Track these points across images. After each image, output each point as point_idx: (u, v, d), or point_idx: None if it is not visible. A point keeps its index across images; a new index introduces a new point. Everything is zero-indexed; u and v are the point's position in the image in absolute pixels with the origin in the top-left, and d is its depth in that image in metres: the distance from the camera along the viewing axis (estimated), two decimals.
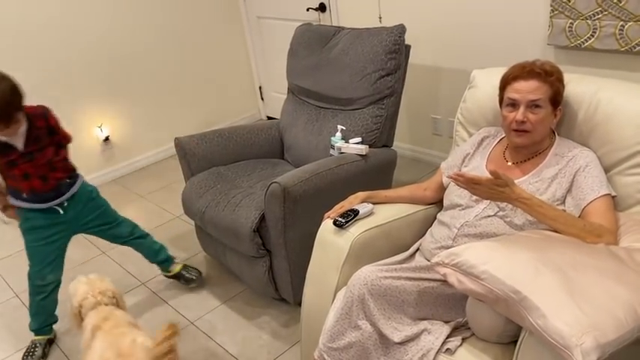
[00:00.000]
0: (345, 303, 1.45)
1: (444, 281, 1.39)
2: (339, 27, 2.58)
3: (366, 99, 2.33)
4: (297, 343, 2.11)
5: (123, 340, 1.53)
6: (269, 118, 4.46)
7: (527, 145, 1.57)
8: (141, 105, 3.79)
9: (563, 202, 1.50)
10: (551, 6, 2.37)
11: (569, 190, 1.51)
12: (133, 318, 1.75)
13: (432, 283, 1.47)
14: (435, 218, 1.75)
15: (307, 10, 3.50)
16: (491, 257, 1.25)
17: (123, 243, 2.38)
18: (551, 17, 2.40)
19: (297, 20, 3.56)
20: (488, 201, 1.56)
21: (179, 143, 2.52)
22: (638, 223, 1.45)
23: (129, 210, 3.32)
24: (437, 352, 1.37)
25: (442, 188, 1.80)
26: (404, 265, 1.54)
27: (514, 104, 1.54)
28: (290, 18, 3.71)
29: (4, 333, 2.38)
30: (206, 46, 4.02)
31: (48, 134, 2.00)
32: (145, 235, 2.44)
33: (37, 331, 2.22)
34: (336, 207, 1.77)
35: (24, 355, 2.18)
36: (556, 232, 1.41)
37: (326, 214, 1.77)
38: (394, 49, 2.27)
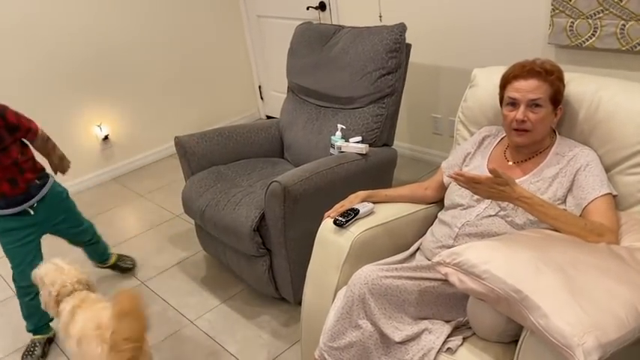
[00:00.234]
0: (345, 302, 1.45)
1: (445, 280, 1.39)
2: (339, 26, 2.58)
3: (367, 98, 2.33)
4: (297, 343, 2.11)
5: (103, 314, 1.59)
6: (268, 117, 4.46)
7: (527, 145, 1.57)
8: (140, 104, 3.79)
9: (564, 202, 1.50)
10: (552, 5, 2.37)
11: (570, 190, 1.50)
12: (107, 302, 1.78)
13: (432, 283, 1.46)
14: (436, 217, 1.75)
15: (307, 8, 3.50)
16: (493, 256, 1.24)
17: (82, 245, 2.38)
18: (551, 16, 2.40)
19: (297, 19, 3.56)
20: (490, 201, 1.56)
21: (179, 142, 2.51)
22: (639, 222, 1.45)
23: (128, 209, 3.32)
24: (438, 352, 1.37)
25: (443, 187, 1.80)
26: (405, 265, 1.54)
27: (514, 103, 1.54)
28: (290, 17, 3.71)
29: (3, 332, 2.37)
30: (206, 45, 4.01)
31: (8, 132, 1.93)
32: (99, 239, 2.50)
33: (34, 332, 2.22)
34: (337, 206, 1.76)
35: (23, 354, 2.18)
36: (557, 231, 1.41)
37: (326, 214, 1.76)
38: (395, 47, 2.26)
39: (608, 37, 2.26)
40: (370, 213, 1.73)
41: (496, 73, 1.71)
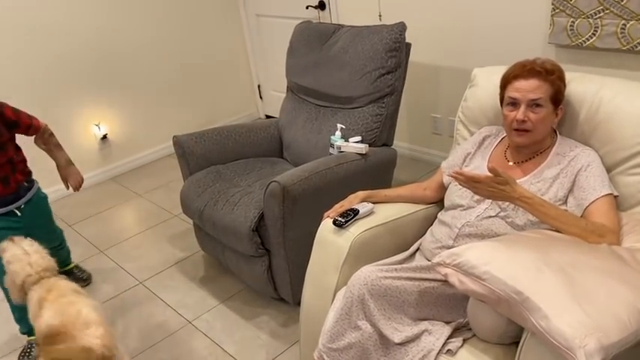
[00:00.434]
0: (344, 303, 1.44)
1: (445, 281, 1.38)
2: (338, 25, 2.57)
3: (366, 97, 2.32)
4: (296, 343, 2.10)
5: (70, 310, 1.59)
6: (267, 116, 4.45)
7: (527, 145, 1.56)
8: (139, 103, 3.78)
9: (565, 202, 1.49)
10: (553, 4, 2.36)
11: (570, 190, 1.50)
12: (76, 285, 1.78)
13: (432, 284, 1.46)
14: (436, 218, 1.74)
15: (307, 7, 3.49)
16: (493, 257, 1.23)
17: (48, 249, 2.39)
18: (552, 16, 2.39)
19: (297, 18, 3.56)
20: (490, 201, 1.55)
21: (178, 141, 2.50)
22: None
23: (127, 209, 3.31)
24: (438, 353, 1.36)
25: (443, 188, 1.79)
26: (404, 265, 1.53)
27: (515, 103, 1.53)
28: (289, 16, 3.70)
29: None
30: (205, 44, 4.00)
31: (6, 129, 1.98)
32: (65, 244, 2.51)
33: (29, 333, 2.20)
34: (336, 206, 1.75)
35: (20, 355, 2.17)
36: (558, 231, 1.40)
37: (325, 214, 1.75)
38: (394, 47, 2.26)
39: (608, 36, 2.25)
40: (370, 213, 1.72)
41: (496, 73, 1.70)
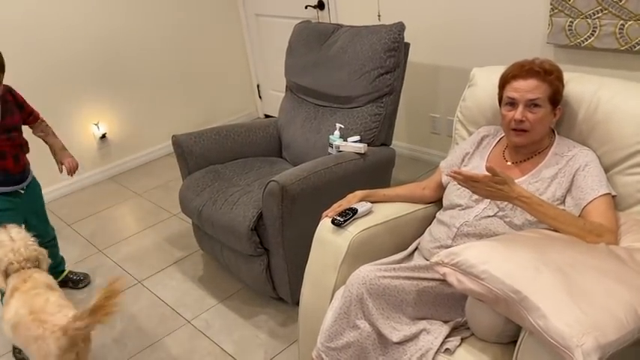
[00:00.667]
0: (343, 302, 1.44)
1: (443, 281, 1.38)
2: (337, 24, 2.57)
3: (365, 97, 2.32)
4: (295, 343, 2.10)
5: (37, 300, 1.66)
6: (266, 116, 4.45)
7: (526, 145, 1.56)
8: (138, 102, 3.77)
9: (563, 202, 1.49)
10: (551, 4, 2.36)
11: (569, 190, 1.50)
12: (51, 280, 1.83)
13: (431, 283, 1.46)
14: (434, 217, 1.74)
15: (306, 7, 3.49)
16: (491, 257, 1.24)
17: (41, 243, 2.41)
18: (550, 16, 2.39)
19: (296, 18, 3.56)
20: (488, 201, 1.55)
21: (176, 141, 2.50)
22: (638, 222, 1.44)
23: (125, 208, 3.31)
24: (436, 352, 1.36)
25: (441, 187, 1.79)
26: (403, 265, 1.53)
27: (513, 103, 1.53)
28: (288, 15, 3.70)
29: None
30: (204, 44, 4.00)
31: (18, 108, 2.13)
32: (57, 246, 2.53)
33: None
34: (335, 206, 1.76)
35: (14, 351, 2.17)
36: (556, 231, 1.41)
37: (324, 213, 1.75)
38: (393, 46, 2.26)
39: (607, 36, 2.26)
40: (368, 212, 1.72)
41: (495, 73, 1.70)
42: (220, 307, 2.36)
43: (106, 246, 2.91)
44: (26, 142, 2.20)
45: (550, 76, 1.51)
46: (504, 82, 1.58)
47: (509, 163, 1.63)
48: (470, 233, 1.55)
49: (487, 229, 1.52)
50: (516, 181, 1.51)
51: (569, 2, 2.30)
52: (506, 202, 1.49)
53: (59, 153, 2.32)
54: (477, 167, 1.67)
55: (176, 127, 3.97)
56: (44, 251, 1.89)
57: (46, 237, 2.38)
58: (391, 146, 2.42)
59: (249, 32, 4.16)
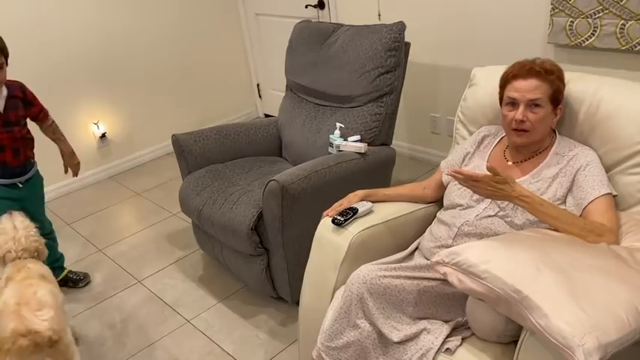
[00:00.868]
0: (343, 302, 1.44)
1: (444, 280, 1.38)
2: (338, 24, 2.56)
3: (365, 97, 2.32)
4: (295, 342, 2.10)
5: (27, 290, 1.66)
6: (267, 115, 4.44)
7: (527, 145, 1.56)
8: (138, 102, 3.77)
9: (564, 202, 1.49)
10: (552, 4, 2.36)
11: (569, 190, 1.50)
12: (46, 270, 1.84)
13: (431, 282, 1.46)
14: (435, 217, 1.74)
15: (306, 7, 3.48)
16: (492, 256, 1.23)
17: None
18: (551, 15, 2.39)
19: (296, 17, 3.56)
20: (489, 201, 1.55)
21: (176, 140, 2.50)
22: (639, 222, 1.44)
23: (125, 208, 3.31)
24: (436, 352, 1.36)
25: (442, 187, 1.79)
26: (403, 264, 1.53)
27: (514, 103, 1.53)
28: (288, 15, 3.69)
29: None
30: (204, 43, 4.00)
31: (24, 106, 2.18)
32: (55, 239, 2.53)
33: None
34: (335, 205, 1.75)
35: None
36: (557, 231, 1.40)
37: (324, 213, 1.75)
38: (394, 46, 2.25)
39: (607, 36, 2.26)
40: (369, 212, 1.72)
41: (496, 73, 1.70)
42: (220, 306, 2.36)
43: (106, 245, 2.91)
44: (32, 138, 2.23)
45: (551, 75, 1.51)
46: (505, 81, 1.58)
47: (510, 162, 1.62)
48: (470, 233, 1.54)
49: (488, 228, 1.52)
50: (517, 180, 1.51)
51: (570, 2, 2.30)
52: (507, 202, 1.49)
53: (68, 158, 2.42)
54: (478, 167, 1.67)
55: (176, 126, 3.97)
56: (44, 241, 1.91)
57: (42, 229, 2.37)
58: (391, 146, 2.42)
59: (249, 31, 4.15)
